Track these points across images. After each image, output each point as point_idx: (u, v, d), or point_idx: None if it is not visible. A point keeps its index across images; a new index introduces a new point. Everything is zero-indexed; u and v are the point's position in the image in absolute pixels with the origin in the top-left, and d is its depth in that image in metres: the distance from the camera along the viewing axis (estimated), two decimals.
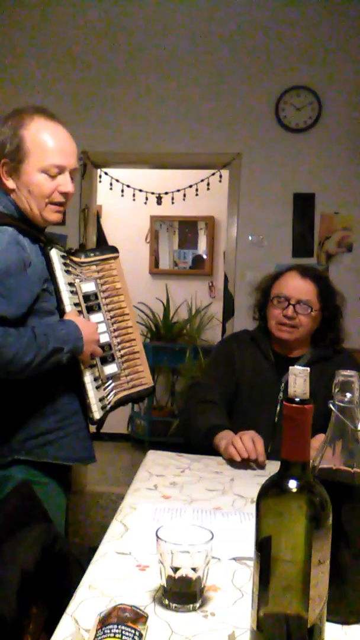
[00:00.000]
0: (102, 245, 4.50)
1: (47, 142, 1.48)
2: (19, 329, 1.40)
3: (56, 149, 1.49)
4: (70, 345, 1.47)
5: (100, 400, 1.60)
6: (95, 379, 1.61)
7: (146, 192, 4.28)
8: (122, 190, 4.28)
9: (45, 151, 1.48)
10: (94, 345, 1.56)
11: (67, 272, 1.59)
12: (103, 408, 1.61)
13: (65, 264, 1.59)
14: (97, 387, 1.61)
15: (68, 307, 1.56)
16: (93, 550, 1.07)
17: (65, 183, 1.51)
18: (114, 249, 1.75)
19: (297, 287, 1.84)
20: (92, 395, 1.58)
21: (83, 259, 1.65)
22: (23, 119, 1.48)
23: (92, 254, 1.69)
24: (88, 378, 1.58)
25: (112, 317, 1.68)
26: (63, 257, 1.59)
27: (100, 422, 1.62)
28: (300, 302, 1.82)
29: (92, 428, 1.65)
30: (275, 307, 1.86)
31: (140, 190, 4.29)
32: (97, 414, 1.58)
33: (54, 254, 1.55)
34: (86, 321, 1.57)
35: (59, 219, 1.56)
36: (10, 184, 1.50)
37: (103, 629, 0.74)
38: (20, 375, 1.39)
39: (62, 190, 1.51)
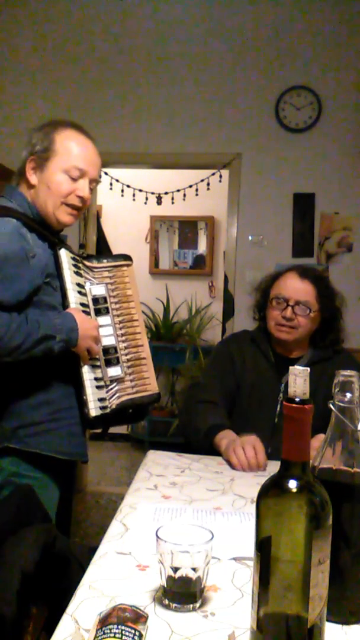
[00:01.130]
0: (102, 246, 4.51)
1: (74, 147, 1.59)
2: (11, 313, 1.43)
3: (81, 155, 1.59)
4: (62, 335, 1.50)
5: (101, 400, 1.60)
6: (98, 379, 1.62)
7: (146, 192, 4.28)
8: (122, 190, 4.28)
9: (71, 154, 1.58)
10: (90, 341, 1.58)
11: (77, 274, 1.62)
12: (103, 408, 1.61)
13: (75, 266, 1.62)
14: (99, 387, 1.62)
15: (72, 304, 1.58)
16: (93, 550, 1.07)
17: (83, 188, 1.59)
18: (127, 257, 1.79)
19: (295, 288, 1.84)
20: (90, 392, 1.59)
21: (96, 264, 1.71)
22: (58, 127, 1.60)
23: (104, 260, 1.74)
24: (87, 375, 1.60)
25: (120, 322, 1.70)
26: (74, 259, 1.63)
27: (99, 422, 1.62)
28: (299, 303, 1.82)
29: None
30: (274, 308, 1.86)
31: (140, 190, 4.29)
32: (93, 412, 1.59)
33: (63, 253, 1.59)
34: (86, 317, 1.60)
35: (71, 222, 1.63)
36: (33, 179, 1.58)
37: (103, 629, 0.74)
38: (7, 357, 1.43)
39: (79, 194, 1.59)
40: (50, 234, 1.60)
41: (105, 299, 1.67)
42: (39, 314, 1.50)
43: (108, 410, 1.62)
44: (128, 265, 1.77)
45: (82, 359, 1.59)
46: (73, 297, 1.59)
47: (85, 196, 1.60)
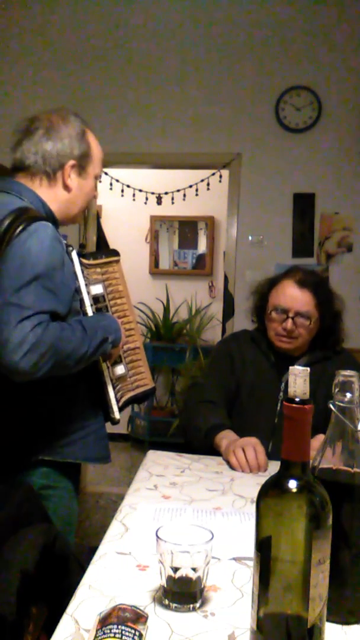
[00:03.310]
0: (103, 246, 4.50)
1: (100, 152, 1.62)
2: (69, 323, 1.42)
3: (101, 159, 1.63)
4: (113, 336, 1.50)
5: (116, 400, 1.61)
6: (110, 379, 1.61)
7: (146, 192, 4.28)
8: (122, 190, 4.28)
9: (100, 160, 1.62)
10: (123, 339, 1.59)
11: (82, 273, 1.60)
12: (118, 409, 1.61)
13: (80, 267, 1.60)
14: (112, 388, 1.61)
15: (89, 308, 1.56)
16: (93, 550, 1.07)
17: (97, 190, 1.66)
18: (116, 252, 1.76)
19: (295, 298, 1.82)
20: (112, 395, 1.59)
21: (91, 262, 1.67)
22: (86, 127, 1.60)
23: (98, 257, 1.71)
24: (108, 378, 1.59)
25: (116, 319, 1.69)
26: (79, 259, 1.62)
27: (115, 422, 1.63)
28: (299, 314, 1.81)
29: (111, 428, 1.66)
30: (273, 319, 1.85)
31: (140, 190, 4.29)
32: (117, 414, 1.59)
33: (75, 255, 1.56)
34: (114, 317, 1.60)
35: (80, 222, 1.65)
36: (71, 183, 1.55)
37: (103, 629, 0.74)
38: (74, 368, 1.41)
39: (96, 195, 1.65)
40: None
41: (104, 297, 1.65)
42: (85, 319, 1.49)
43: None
44: (117, 261, 1.74)
45: (114, 358, 1.58)
46: (88, 300, 1.57)
47: (96, 197, 1.67)
